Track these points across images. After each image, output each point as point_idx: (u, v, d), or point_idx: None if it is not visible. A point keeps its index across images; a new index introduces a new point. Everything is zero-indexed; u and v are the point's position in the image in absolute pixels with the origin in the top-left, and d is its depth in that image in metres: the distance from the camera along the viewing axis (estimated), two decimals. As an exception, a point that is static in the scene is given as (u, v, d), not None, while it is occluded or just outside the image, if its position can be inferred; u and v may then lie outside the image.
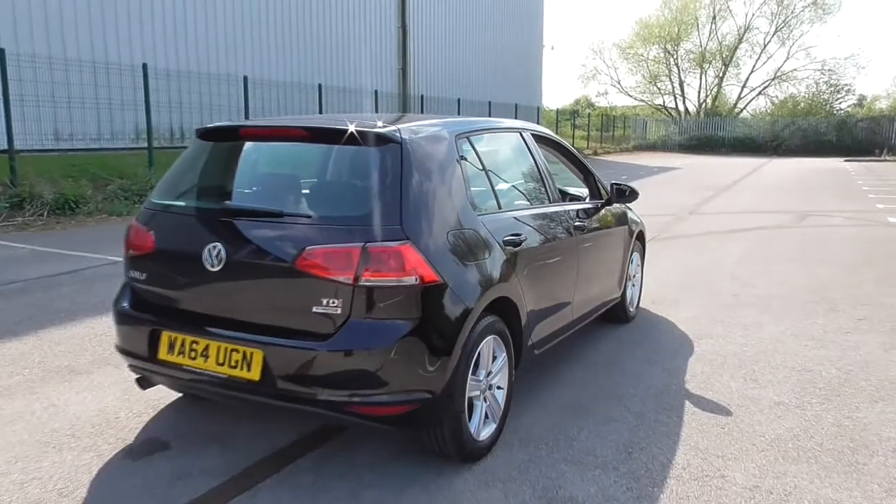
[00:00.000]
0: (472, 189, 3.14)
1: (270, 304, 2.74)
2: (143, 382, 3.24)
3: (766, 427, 3.36)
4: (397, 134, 2.86)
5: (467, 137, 3.31)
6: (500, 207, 3.37)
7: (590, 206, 4.44)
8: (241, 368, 2.71)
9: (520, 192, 3.79)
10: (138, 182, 11.35)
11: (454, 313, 2.76)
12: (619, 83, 57.91)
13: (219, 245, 2.78)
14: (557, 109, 39.07)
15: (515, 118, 23.48)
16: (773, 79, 49.85)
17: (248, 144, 3.27)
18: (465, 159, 3.18)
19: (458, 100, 23.10)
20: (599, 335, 4.84)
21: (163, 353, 2.90)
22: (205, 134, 3.27)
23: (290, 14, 18.34)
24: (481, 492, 2.77)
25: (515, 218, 3.41)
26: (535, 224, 3.57)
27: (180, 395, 3.68)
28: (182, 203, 3.12)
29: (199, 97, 15.32)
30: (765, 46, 48.85)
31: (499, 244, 3.13)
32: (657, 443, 3.19)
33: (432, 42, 23.99)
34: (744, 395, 3.78)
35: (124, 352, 3.11)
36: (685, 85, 51.56)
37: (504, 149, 3.80)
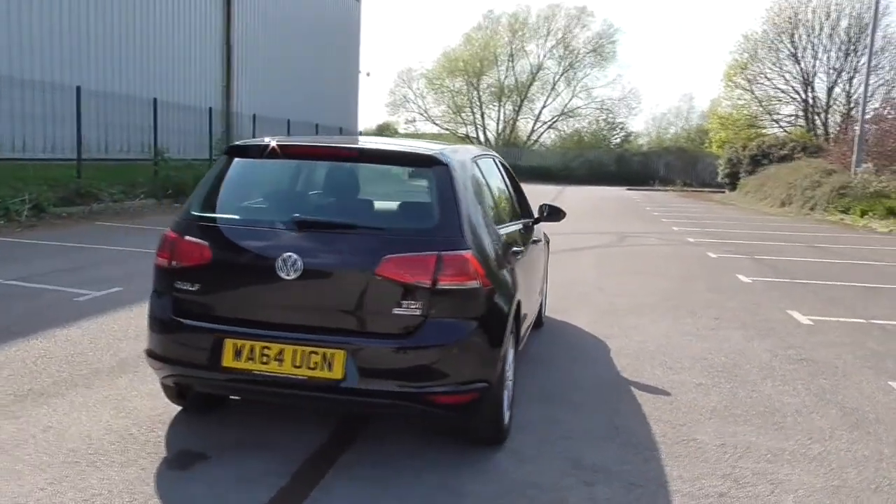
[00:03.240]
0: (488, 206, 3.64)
1: (350, 308, 2.99)
2: (184, 392, 3.24)
3: (700, 402, 4.23)
4: (442, 156, 3.27)
5: (475, 161, 3.81)
6: (500, 223, 3.89)
7: (530, 222, 5.12)
8: (322, 369, 2.93)
9: (507, 209, 4.35)
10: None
11: (502, 313, 3.24)
12: (426, 112, 60.09)
13: (294, 255, 2.97)
14: (362, 131, 39.93)
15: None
16: (560, 115, 55.57)
17: (296, 161, 3.45)
18: (479, 180, 3.67)
19: (289, 121, 22.98)
20: (529, 339, 5.49)
21: (227, 361, 2.99)
22: (236, 151, 3.40)
23: (124, 25, 17.24)
24: (522, 467, 3.25)
25: (514, 231, 3.96)
26: (520, 237, 4.15)
27: (180, 408, 3.65)
28: (238, 216, 3.22)
29: (10, 103, 13.67)
30: (553, 85, 54.35)
31: (511, 254, 3.65)
32: (631, 420, 3.90)
33: (257, 63, 23.54)
34: (670, 379, 4.65)
35: (172, 362, 3.12)
36: (486, 116, 55.55)
37: (493, 172, 4.34)
